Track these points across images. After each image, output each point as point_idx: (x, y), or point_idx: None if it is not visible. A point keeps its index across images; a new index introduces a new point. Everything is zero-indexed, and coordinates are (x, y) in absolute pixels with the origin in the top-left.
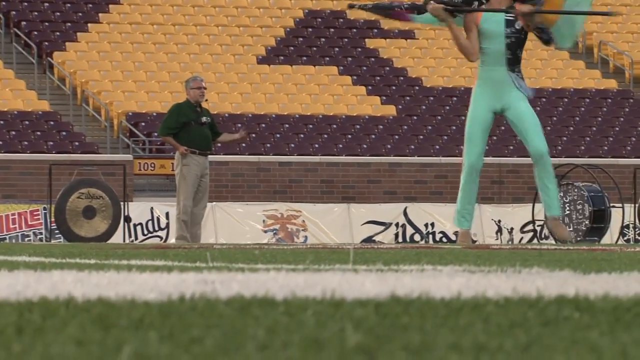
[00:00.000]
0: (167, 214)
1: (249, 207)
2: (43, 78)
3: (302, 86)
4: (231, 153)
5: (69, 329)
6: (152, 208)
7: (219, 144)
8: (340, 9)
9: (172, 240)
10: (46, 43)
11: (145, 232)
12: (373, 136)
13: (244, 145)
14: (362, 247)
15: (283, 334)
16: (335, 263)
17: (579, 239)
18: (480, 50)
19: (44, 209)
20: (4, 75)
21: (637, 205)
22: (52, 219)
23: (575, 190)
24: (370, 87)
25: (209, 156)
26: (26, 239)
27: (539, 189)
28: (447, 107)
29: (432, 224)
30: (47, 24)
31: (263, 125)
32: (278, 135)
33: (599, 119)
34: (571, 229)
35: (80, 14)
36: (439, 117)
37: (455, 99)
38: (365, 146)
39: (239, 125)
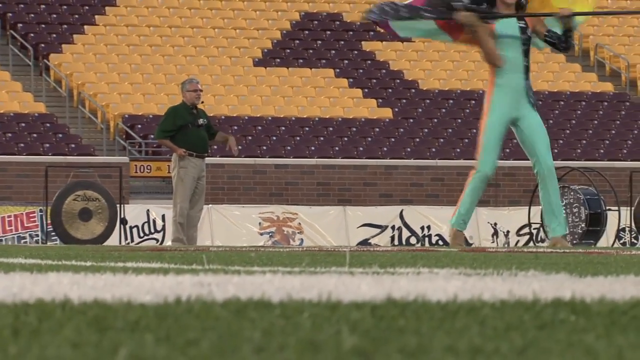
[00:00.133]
0: (163, 217)
1: (245, 210)
2: (39, 80)
3: (299, 89)
4: (227, 155)
5: (65, 331)
6: (148, 210)
7: (215, 146)
8: (337, 11)
9: (168, 242)
10: (42, 45)
11: (142, 234)
12: (369, 139)
13: (240, 147)
14: (358, 249)
15: (279, 337)
16: (331, 266)
17: (575, 242)
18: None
19: (40, 211)
20: (0, 77)
21: (633, 208)
22: (48, 221)
23: (572, 193)
24: (366, 90)
25: (206, 158)
26: (22, 241)
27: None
28: (443, 110)
29: (429, 227)
30: (43, 26)
31: (259, 127)
32: (274, 138)
33: (595, 122)
34: (567, 232)
35: (76, 16)
36: (435, 120)
37: (451, 101)
38: (361, 149)
39: (235, 127)
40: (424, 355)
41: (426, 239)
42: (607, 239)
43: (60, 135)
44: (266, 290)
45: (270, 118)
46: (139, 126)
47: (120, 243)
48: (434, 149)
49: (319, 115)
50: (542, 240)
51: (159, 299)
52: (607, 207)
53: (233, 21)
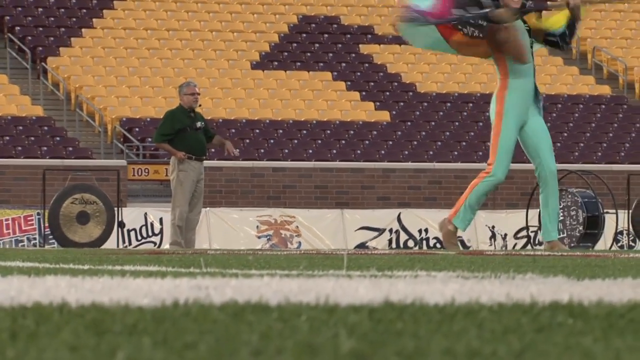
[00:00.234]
0: (161, 220)
1: (243, 213)
2: (37, 83)
3: (296, 92)
4: (225, 158)
5: (62, 334)
6: (146, 213)
7: (212, 149)
8: (334, 14)
9: (166, 245)
10: (40, 48)
11: (139, 237)
12: (367, 142)
13: (237, 150)
14: (356, 252)
15: (277, 340)
16: (329, 269)
17: (572, 245)
18: (512, 59)
19: (38, 214)
20: None
21: (630, 211)
22: (46, 225)
23: (569, 196)
24: (364, 93)
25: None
26: (20, 244)
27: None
28: (441, 113)
29: (426, 230)
30: (41, 29)
31: (257, 130)
32: (272, 141)
33: (593, 125)
34: (565, 235)
35: (74, 19)
36: (433, 123)
37: (448, 104)
38: (359, 152)
39: (233, 130)
40: (421, 358)
41: (424, 242)
42: (604, 241)
43: (58, 139)
44: (264, 293)
45: (267, 121)
46: (137, 129)
47: (117, 246)
48: (431, 152)
49: (316, 118)
50: (540, 243)
51: (156, 302)
52: (605, 210)
53: (231, 24)
